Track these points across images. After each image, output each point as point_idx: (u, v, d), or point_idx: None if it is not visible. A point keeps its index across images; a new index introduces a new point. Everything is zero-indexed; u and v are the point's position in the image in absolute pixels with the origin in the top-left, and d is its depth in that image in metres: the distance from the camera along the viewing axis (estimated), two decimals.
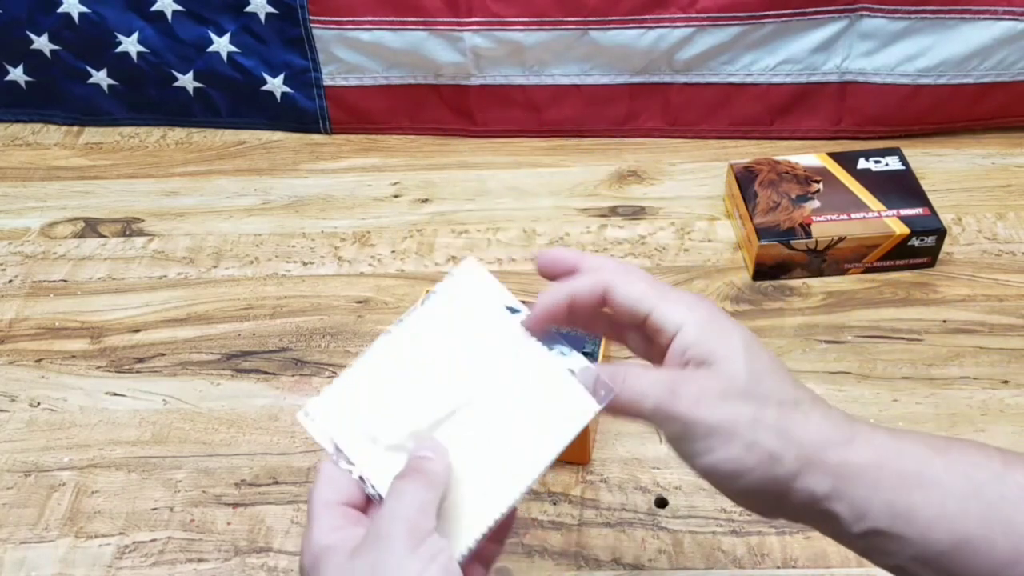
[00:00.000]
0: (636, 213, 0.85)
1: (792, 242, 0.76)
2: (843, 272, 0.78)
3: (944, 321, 0.74)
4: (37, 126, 1.00)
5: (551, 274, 0.46)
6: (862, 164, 0.82)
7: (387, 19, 0.89)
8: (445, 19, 0.88)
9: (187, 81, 0.95)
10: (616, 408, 0.43)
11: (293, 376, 0.72)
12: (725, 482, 0.41)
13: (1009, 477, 0.39)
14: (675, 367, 0.42)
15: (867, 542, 0.40)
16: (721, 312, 0.43)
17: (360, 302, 0.78)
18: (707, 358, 0.41)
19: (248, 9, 0.90)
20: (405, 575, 0.38)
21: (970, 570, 0.38)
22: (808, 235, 0.76)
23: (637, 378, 0.42)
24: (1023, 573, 0.37)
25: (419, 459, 0.43)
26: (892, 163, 0.82)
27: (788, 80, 0.90)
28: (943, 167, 0.88)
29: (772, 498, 0.41)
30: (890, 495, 0.39)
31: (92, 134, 0.99)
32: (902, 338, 0.73)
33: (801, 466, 0.40)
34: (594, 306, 0.44)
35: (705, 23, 0.86)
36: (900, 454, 0.40)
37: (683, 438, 0.41)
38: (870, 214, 0.77)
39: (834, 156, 0.83)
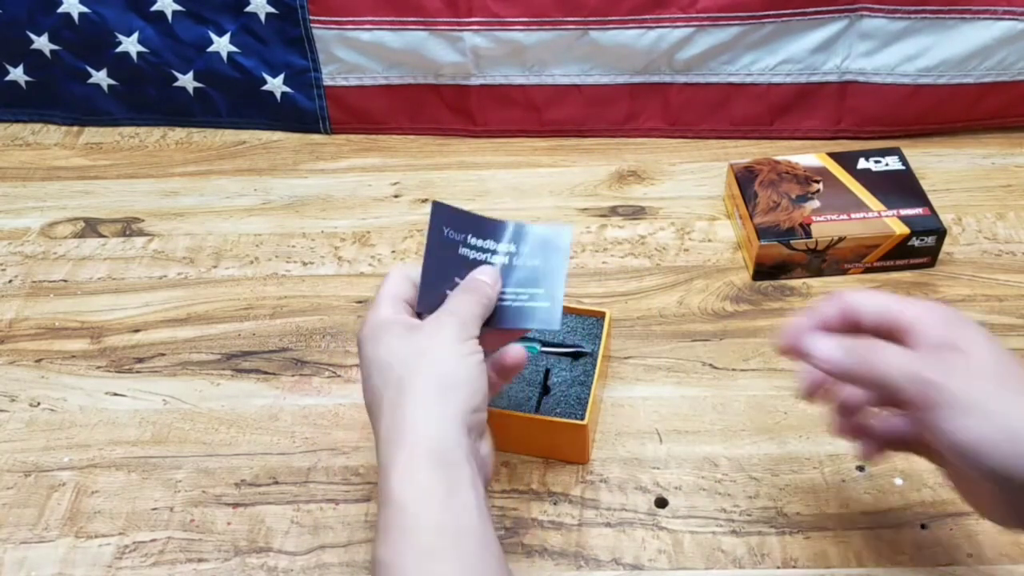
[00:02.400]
0: (636, 213, 0.85)
1: (792, 242, 0.76)
2: (843, 272, 0.78)
3: None
4: (37, 126, 1.00)
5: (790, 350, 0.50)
6: (862, 164, 0.82)
7: (387, 19, 0.89)
8: (445, 19, 0.88)
9: (187, 81, 0.95)
10: (865, 369, 0.45)
11: (293, 376, 0.72)
12: (968, 454, 0.42)
13: None
14: None
15: None
16: (958, 311, 0.46)
17: (360, 302, 0.78)
18: (954, 343, 0.44)
19: (248, 9, 0.90)
20: (451, 355, 0.49)
21: None
22: (808, 235, 0.76)
23: (888, 349, 0.45)
24: None
25: (478, 280, 0.53)
26: (892, 163, 0.82)
27: (788, 80, 0.90)
28: (943, 167, 0.88)
29: (1019, 478, 0.41)
30: None
31: (92, 134, 0.99)
32: None
33: None
34: (840, 324, 0.48)
35: (705, 23, 0.86)
36: None
37: (929, 405, 0.42)
38: (870, 214, 0.77)
39: (834, 156, 0.83)
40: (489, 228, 0.56)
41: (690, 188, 0.88)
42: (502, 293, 0.55)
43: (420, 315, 0.53)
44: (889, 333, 0.46)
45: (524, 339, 0.69)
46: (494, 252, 0.56)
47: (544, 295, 0.55)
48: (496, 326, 0.54)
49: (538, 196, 0.88)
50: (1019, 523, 0.45)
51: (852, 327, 0.48)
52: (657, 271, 0.79)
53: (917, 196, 0.79)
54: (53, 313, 0.78)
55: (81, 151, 0.97)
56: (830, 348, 0.47)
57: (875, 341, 0.46)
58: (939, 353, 0.44)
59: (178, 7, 0.91)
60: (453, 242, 0.55)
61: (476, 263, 0.55)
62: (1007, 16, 0.84)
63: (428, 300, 0.53)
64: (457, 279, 0.54)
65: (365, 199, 0.89)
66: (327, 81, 0.94)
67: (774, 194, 0.79)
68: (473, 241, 0.55)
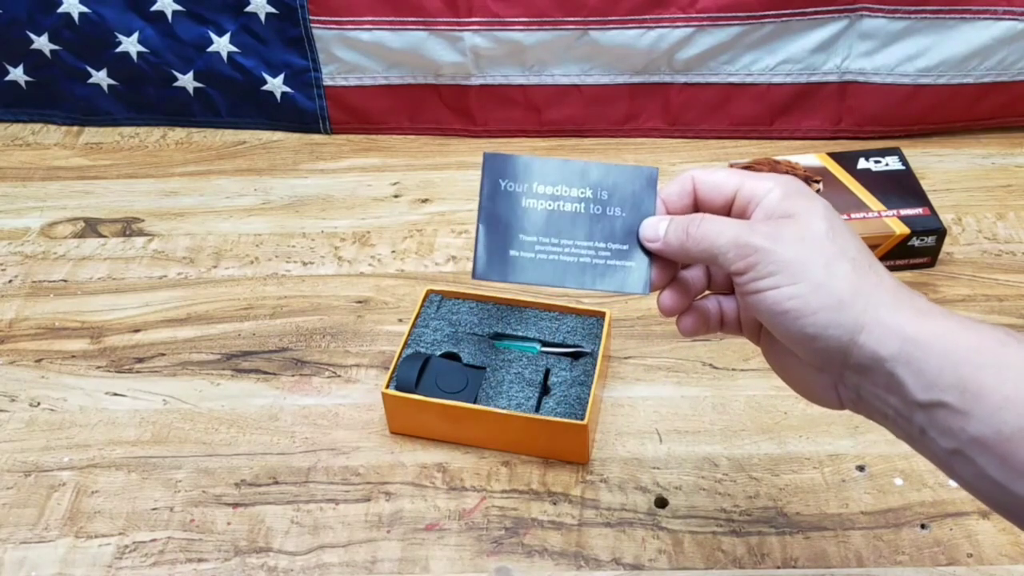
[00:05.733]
0: None
1: None
2: None
3: None
4: (37, 126, 1.00)
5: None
6: (862, 164, 0.82)
7: (387, 19, 0.89)
8: (445, 19, 0.88)
9: (187, 81, 0.95)
10: (692, 242, 0.44)
11: (293, 376, 0.72)
12: (788, 321, 0.41)
13: None
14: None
15: (930, 416, 0.39)
16: (806, 186, 0.44)
17: (360, 302, 0.78)
18: (790, 212, 0.42)
19: (248, 9, 0.90)
20: None
21: None
22: None
23: (716, 219, 0.44)
24: None
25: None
26: (892, 163, 0.82)
27: (788, 80, 0.90)
28: (943, 167, 0.89)
29: (835, 349, 0.40)
30: (963, 369, 0.38)
31: (92, 134, 0.99)
32: None
33: (868, 321, 0.40)
34: (687, 206, 0.46)
35: (705, 23, 0.86)
36: (977, 333, 0.39)
37: (753, 270, 0.41)
38: (870, 214, 0.77)
39: (834, 156, 0.83)
40: (558, 171, 0.49)
41: None
42: (578, 248, 0.49)
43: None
44: (732, 207, 0.45)
45: (524, 339, 0.69)
46: (566, 199, 0.49)
47: (629, 252, 0.48)
48: (570, 286, 0.48)
49: None
50: (838, 402, 0.44)
51: (696, 205, 0.47)
52: None
53: (917, 196, 0.79)
54: (53, 313, 0.78)
55: (81, 151, 0.97)
56: (655, 226, 0.46)
57: (703, 215, 0.44)
58: (770, 221, 0.43)
59: (178, 7, 0.91)
60: (514, 194, 0.49)
61: (547, 215, 0.48)
62: (1007, 16, 0.84)
63: (490, 264, 0.48)
64: (523, 236, 0.48)
65: (365, 199, 0.89)
66: (327, 81, 0.94)
67: None
68: (540, 189, 0.49)
